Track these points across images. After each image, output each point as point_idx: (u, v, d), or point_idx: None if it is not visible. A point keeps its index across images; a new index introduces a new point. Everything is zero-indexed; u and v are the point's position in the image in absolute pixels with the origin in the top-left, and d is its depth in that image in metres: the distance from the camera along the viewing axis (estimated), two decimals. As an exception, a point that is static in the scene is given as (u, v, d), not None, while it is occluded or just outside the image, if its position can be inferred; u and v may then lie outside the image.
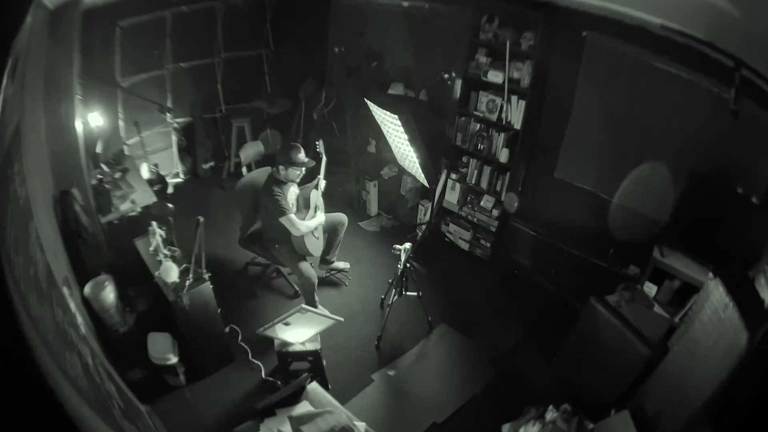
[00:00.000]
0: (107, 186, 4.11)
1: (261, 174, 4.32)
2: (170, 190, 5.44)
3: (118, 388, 2.35)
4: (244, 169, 5.29)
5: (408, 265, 4.05)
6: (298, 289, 4.33)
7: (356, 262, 4.89)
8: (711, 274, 2.69)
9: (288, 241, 4.06)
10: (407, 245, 4.01)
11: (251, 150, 5.62)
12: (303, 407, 2.90)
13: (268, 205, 3.94)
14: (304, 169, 4.06)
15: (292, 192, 4.05)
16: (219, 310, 3.55)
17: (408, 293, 4.16)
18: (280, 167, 3.93)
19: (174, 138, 5.71)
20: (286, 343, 3.42)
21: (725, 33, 2.80)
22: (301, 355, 3.45)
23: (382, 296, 4.40)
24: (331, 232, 4.47)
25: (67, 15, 3.46)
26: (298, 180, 4.08)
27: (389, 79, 5.55)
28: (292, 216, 3.93)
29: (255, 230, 4.38)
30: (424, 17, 5.22)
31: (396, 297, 4.14)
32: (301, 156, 3.96)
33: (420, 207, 5.42)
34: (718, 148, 3.40)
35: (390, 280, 4.26)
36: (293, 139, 6.19)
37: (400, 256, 4.00)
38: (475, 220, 5.01)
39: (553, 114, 4.35)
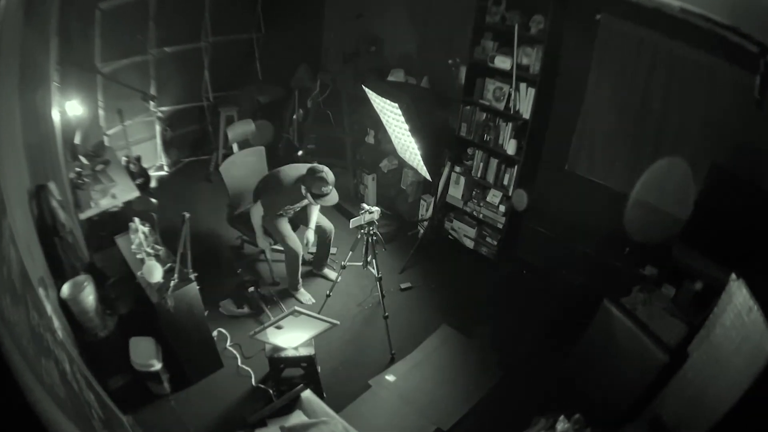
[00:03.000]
0: (86, 180, 4.10)
1: (255, 153, 4.56)
2: (153, 184, 5.43)
3: (97, 396, 2.34)
4: (234, 146, 5.25)
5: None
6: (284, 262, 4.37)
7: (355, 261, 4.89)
8: (734, 275, 2.68)
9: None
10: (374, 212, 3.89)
11: (240, 129, 5.61)
12: (296, 417, 2.90)
13: (265, 198, 4.03)
14: None
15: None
16: (206, 313, 3.54)
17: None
18: (308, 194, 3.94)
19: (158, 128, 5.70)
20: (278, 348, 3.41)
21: (750, 17, 2.78)
22: (294, 361, 3.44)
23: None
24: (319, 244, 4.52)
25: (43, -4, 3.44)
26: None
27: (389, 65, 5.53)
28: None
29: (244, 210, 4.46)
30: (427, -2, 5.21)
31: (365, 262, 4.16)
32: (327, 189, 3.93)
33: (422, 202, 5.41)
34: (742, 141, 3.38)
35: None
36: (286, 130, 6.19)
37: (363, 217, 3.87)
38: (480, 216, 5.00)
39: (565, 103, 4.34)
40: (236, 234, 4.67)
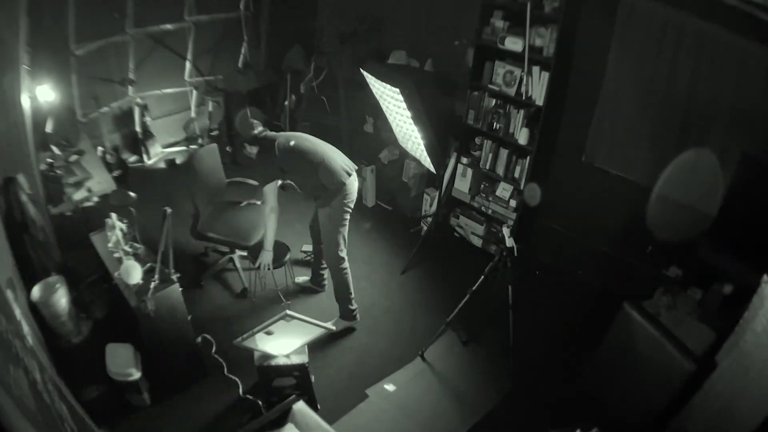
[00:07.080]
0: (59, 171, 4.10)
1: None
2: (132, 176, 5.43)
3: (70, 408, 2.34)
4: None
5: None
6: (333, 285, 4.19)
7: (351, 261, 4.87)
8: (766, 277, 2.68)
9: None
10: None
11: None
12: (288, 431, 2.90)
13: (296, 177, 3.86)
14: None
15: None
16: (189, 317, 3.54)
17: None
18: (246, 145, 3.84)
19: (137, 115, 5.70)
20: (267, 356, 3.41)
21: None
22: (285, 370, 3.43)
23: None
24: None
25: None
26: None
27: (389, 47, 5.52)
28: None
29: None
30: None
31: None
32: (261, 127, 3.86)
33: (425, 196, 5.41)
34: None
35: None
36: (277, 118, 6.18)
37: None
38: (489, 211, 5.00)
39: (582, 88, 4.33)
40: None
